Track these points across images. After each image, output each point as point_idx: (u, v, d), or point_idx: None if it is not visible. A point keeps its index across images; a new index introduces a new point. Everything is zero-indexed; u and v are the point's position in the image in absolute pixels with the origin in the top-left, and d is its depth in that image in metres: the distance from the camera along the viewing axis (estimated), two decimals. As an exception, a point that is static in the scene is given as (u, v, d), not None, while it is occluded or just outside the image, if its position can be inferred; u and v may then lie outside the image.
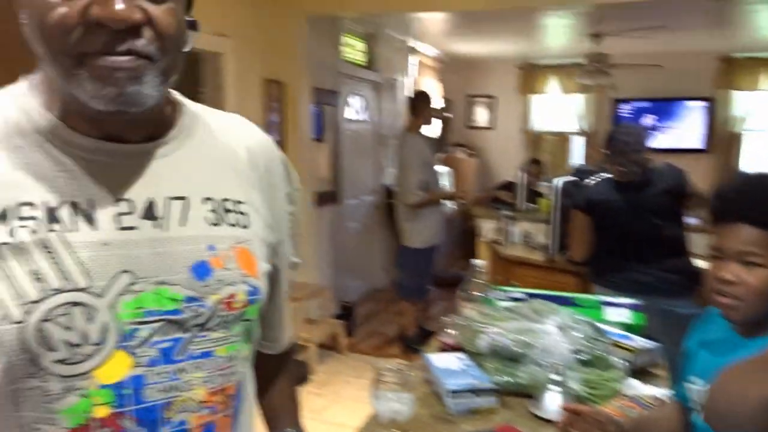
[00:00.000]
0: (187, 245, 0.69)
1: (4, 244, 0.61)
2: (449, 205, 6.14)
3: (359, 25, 5.32)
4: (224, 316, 0.71)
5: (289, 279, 0.94)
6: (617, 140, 2.66)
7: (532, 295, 2.07)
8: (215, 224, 0.72)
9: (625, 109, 7.08)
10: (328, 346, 4.22)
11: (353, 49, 5.38)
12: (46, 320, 0.60)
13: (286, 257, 0.88)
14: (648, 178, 2.65)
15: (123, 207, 0.66)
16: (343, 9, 4.31)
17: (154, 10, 0.62)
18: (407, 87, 6.30)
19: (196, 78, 3.66)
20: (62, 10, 0.59)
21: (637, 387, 1.64)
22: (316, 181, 4.59)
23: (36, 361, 0.61)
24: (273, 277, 0.83)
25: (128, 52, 0.61)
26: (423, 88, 6.40)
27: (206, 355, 0.70)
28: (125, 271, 0.65)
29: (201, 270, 0.69)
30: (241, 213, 0.75)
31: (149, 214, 0.68)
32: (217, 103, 3.55)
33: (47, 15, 0.59)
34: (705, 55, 6.59)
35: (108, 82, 0.61)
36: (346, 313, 4.52)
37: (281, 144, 4.10)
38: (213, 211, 0.72)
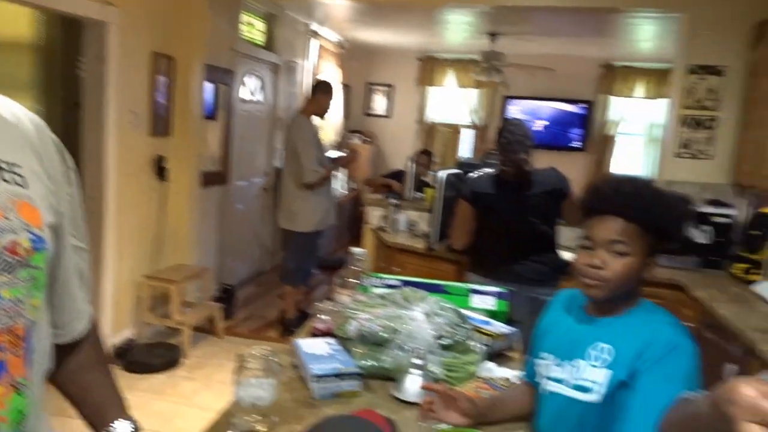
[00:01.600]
0: None
1: None
2: (340, 190, 6.19)
3: (260, 4, 5.18)
4: (8, 261, 0.75)
5: (80, 267, 0.94)
6: (505, 137, 2.75)
7: (406, 283, 2.14)
8: None
9: (514, 107, 7.42)
10: (204, 330, 4.13)
11: (252, 28, 5.24)
12: None
13: (68, 238, 0.90)
14: (530, 178, 2.77)
15: None
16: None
17: None
18: (307, 71, 6.23)
19: (77, 46, 3.42)
20: None
21: (493, 370, 1.74)
22: (205, 161, 4.45)
23: None
24: (55, 257, 0.85)
25: None
26: (324, 73, 6.38)
27: None
28: None
29: None
30: (18, 175, 0.79)
31: None
32: (98, 75, 3.35)
33: None
34: (589, 61, 7.03)
35: None
36: (226, 296, 4.44)
37: (168, 121, 3.94)
38: None
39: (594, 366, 1.29)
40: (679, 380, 1.18)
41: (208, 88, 4.41)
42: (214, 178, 4.64)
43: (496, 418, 1.47)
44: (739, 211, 3.67)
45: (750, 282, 3.16)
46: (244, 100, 5.12)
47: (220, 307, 4.15)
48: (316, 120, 4.28)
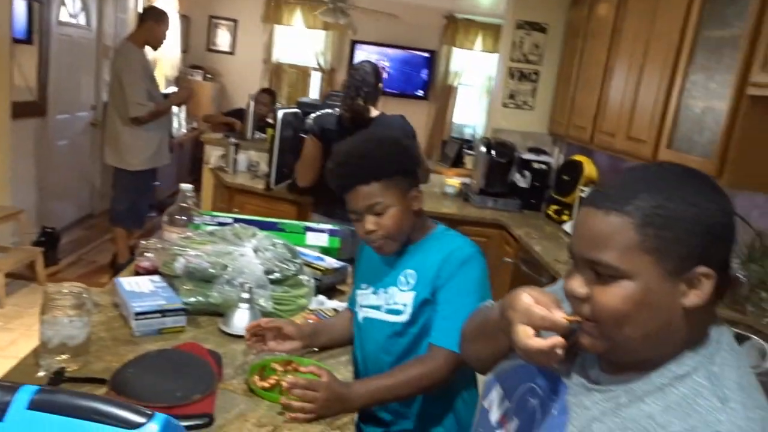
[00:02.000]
0: None
1: None
2: (181, 129, 5.87)
3: None
4: None
5: None
6: (347, 81, 2.77)
7: (238, 220, 2.11)
8: None
9: (361, 52, 7.44)
10: (24, 276, 3.78)
11: (70, -60, 4.65)
12: None
13: None
14: (366, 124, 2.82)
15: None
16: None
17: None
18: (139, -4, 5.72)
19: None
20: None
21: (324, 302, 1.81)
22: (18, 89, 3.96)
23: None
24: None
25: None
26: (158, 0, 5.89)
27: None
28: None
29: None
30: None
31: None
32: None
33: None
34: (434, 11, 7.21)
35: None
36: (48, 240, 4.07)
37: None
38: None
39: (402, 290, 1.43)
40: (472, 289, 1.36)
41: (20, 5, 3.89)
42: (28, 110, 4.15)
43: (323, 342, 1.55)
44: (554, 158, 4.06)
45: (561, 222, 3.54)
46: (63, 23, 4.58)
47: (41, 252, 3.80)
48: (149, 51, 3.97)
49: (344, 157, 1.42)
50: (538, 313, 0.79)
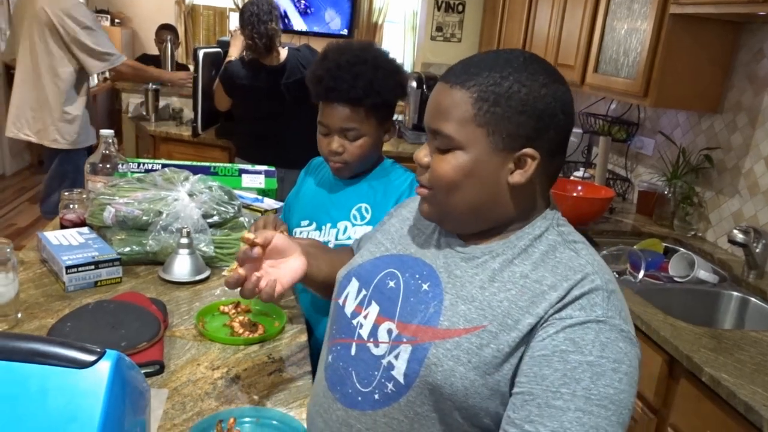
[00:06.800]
0: None
1: None
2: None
3: None
4: None
5: None
6: (250, 11, 2.63)
7: (167, 166, 2.01)
8: None
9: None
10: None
11: None
12: None
13: None
14: (285, 62, 2.72)
15: None
16: None
17: None
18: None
19: None
20: None
21: (266, 244, 1.76)
22: None
23: None
24: None
25: None
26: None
27: None
28: None
29: None
30: None
31: None
32: None
33: None
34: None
35: None
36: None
37: None
38: None
39: (356, 224, 1.40)
40: None
41: None
42: None
43: (323, 269, 1.44)
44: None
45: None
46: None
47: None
48: None
49: (338, 70, 1.29)
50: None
